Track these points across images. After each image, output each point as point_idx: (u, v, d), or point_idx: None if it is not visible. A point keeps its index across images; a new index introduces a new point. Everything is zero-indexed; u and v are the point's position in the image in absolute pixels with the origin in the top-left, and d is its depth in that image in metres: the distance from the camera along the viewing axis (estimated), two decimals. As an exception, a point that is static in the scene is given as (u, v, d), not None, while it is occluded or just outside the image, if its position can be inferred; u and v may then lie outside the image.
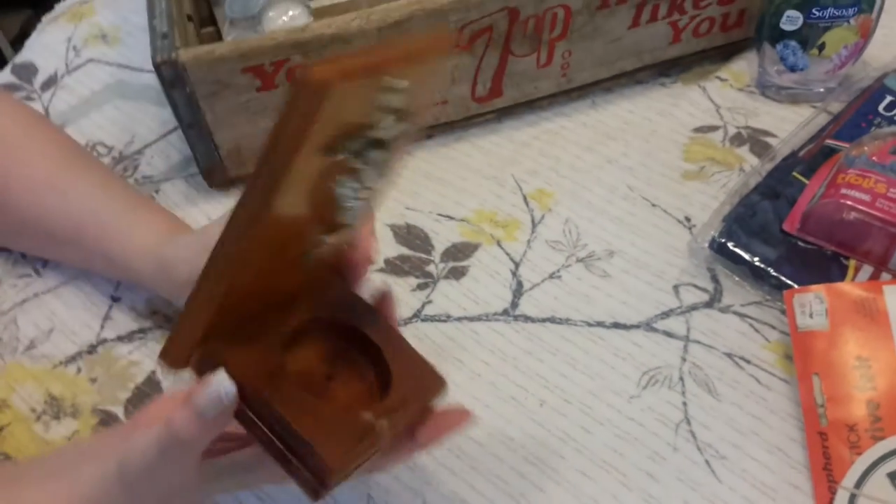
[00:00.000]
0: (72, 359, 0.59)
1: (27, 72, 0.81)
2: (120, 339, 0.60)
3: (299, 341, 0.41)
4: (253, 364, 0.38)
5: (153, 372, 0.58)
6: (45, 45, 0.84)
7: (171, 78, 0.60)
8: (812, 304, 0.53)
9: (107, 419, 0.56)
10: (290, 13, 0.74)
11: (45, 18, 0.87)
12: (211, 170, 0.67)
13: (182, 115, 0.63)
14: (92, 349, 0.60)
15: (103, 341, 0.60)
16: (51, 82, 0.80)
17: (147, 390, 0.57)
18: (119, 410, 0.56)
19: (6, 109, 0.62)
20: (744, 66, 0.74)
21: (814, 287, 0.54)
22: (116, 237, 0.56)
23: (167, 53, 0.59)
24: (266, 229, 0.34)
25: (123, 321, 0.61)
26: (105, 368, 0.58)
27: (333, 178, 0.36)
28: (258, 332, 0.40)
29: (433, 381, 0.43)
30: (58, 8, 0.88)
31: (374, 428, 0.38)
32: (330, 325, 0.42)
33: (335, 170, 0.36)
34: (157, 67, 0.60)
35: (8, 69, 0.82)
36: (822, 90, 0.71)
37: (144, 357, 0.59)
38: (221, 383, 0.36)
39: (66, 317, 0.61)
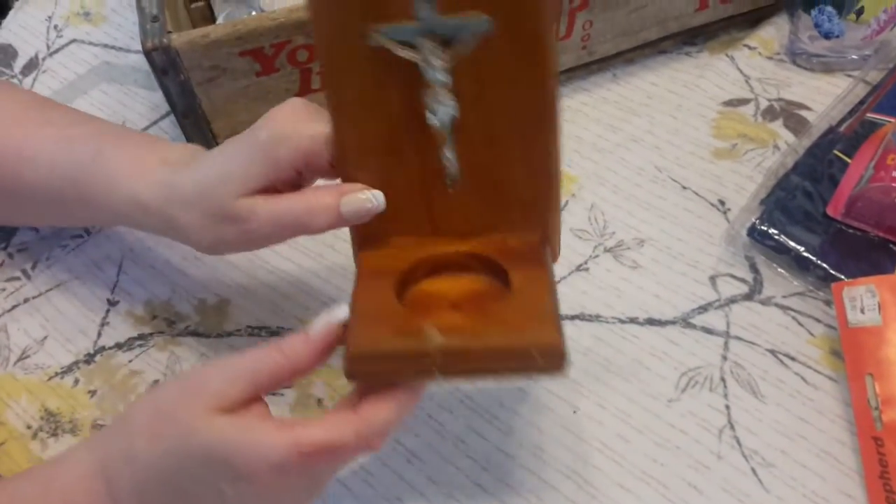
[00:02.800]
0: (68, 369, 0.55)
1: (5, 55, 0.76)
2: (119, 346, 0.56)
3: (456, 270, 0.42)
4: (386, 257, 0.42)
5: (156, 382, 0.54)
6: (24, 25, 0.78)
7: (164, 65, 0.56)
8: (863, 297, 0.50)
9: (109, 435, 0.52)
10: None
11: (22, -5, 0.81)
12: (209, 160, 0.62)
13: (176, 103, 0.58)
14: (89, 358, 0.56)
15: (101, 349, 0.56)
16: (32, 66, 0.75)
17: (150, 402, 0.53)
18: (121, 425, 0.53)
19: None
20: (772, 33, 0.70)
21: (864, 279, 0.50)
22: (91, 193, 0.49)
23: (158, 38, 0.55)
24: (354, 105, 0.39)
25: (122, 327, 0.57)
26: (104, 379, 0.55)
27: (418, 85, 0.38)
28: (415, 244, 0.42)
29: (534, 333, 0.37)
30: (36, -17, 0.82)
31: (423, 335, 0.36)
32: (493, 264, 0.42)
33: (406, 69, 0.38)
34: (148, 54, 0.55)
35: (-15, 51, 0.77)
36: (856, 57, 0.66)
37: (146, 366, 0.55)
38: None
39: (60, 323, 0.58)
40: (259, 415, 0.38)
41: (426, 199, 0.42)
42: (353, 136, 0.40)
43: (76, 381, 0.55)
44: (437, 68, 0.37)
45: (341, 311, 0.39)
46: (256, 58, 0.57)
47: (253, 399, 0.38)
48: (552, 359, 0.37)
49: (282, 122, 0.43)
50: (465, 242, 0.42)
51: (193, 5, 0.72)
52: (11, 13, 0.80)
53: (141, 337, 0.56)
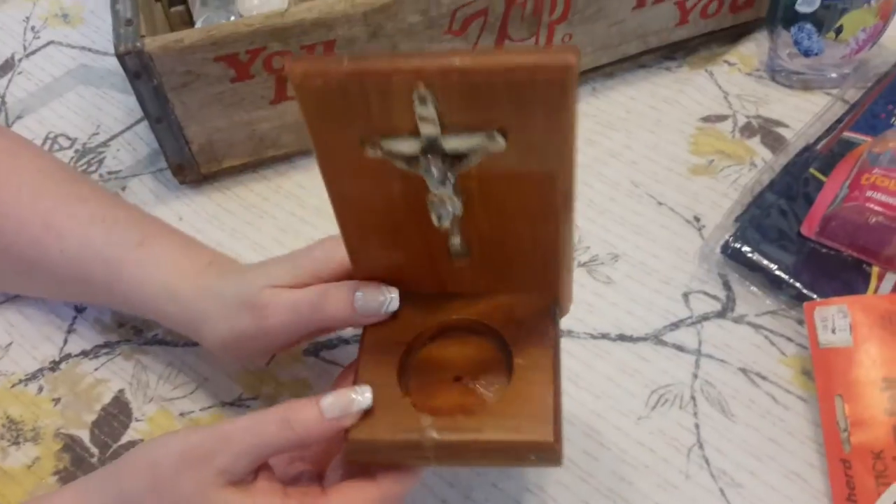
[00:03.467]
0: (32, 376, 0.54)
1: (-19, 55, 0.75)
2: (85, 354, 0.55)
3: (463, 332, 0.42)
4: (392, 325, 0.42)
5: (121, 391, 0.53)
6: (1, 26, 0.77)
7: (137, 69, 0.55)
8: (835, 318, 0.49)
9: (71, 444, 0.51)
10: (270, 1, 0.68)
11: (0, -5, 0.80)
12: (181, 166, 0.62)
13: (149, 108, 0.58)
14: (55, 366, 0.55)
15: (67, 357, 0.55)
16: (7, 67, 0.74)
17: (114, 411, 0.53)
18: (84, 434, 0.52)
19: None
20: (753, 49, 0.70)
21: (836, 299, 0.50)
22: (128, 280, 0.49)
23: (131, 42, 0.54)
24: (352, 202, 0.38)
25: (88, 334, 0.56)
26: (69, 387, 0.54)
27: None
28: (422, 310, 0.42)
29: (528, 431, 0.38)
30: (15, -16, 0.81)
31: (420, 427, 0.38)
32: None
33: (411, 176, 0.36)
34: (121, 58, 0.54)
35: (-40, 51, 0.76)
36: (835, 76, 0.67)
37: (112, 374, 0.54)
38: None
39: (26, 329, 0.57)
40: (266, 491, 0.38)
41: (433, 266, 0.41)
42: (355, 220, 0.39)
43: (40, 389, 0.54)
44: (439, 181, 0.35)
45: (364, 400, 0.38)
46: (231, 64, 0.56)
47: (259, 468, 0.39)
48: (546, 457, 0.38)
49: (333, 245, 0.43)
50: (472, 306, 0.42)
51: (173, 9, 0.72)
52: (-11, 13, 0.79)
53: (107, 345, 0.56)
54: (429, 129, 0.33)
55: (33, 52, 0.75)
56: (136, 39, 0.54)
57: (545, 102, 0.31)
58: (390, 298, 0.41)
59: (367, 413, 0.39)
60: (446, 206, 0.36)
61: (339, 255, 0.43)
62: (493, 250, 0.40)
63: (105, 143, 0.67)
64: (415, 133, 0.33)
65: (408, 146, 0.34)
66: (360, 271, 0.42)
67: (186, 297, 0.47)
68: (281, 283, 0.44)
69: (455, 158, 0.34)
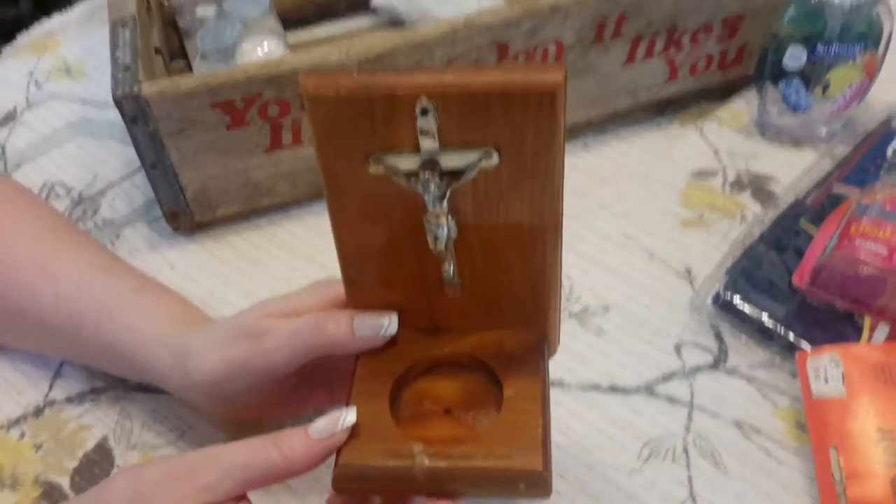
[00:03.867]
0: (15, 422, 0.54)
1: (-16, 106, 0.76)
2: (69, 400, 0.55)
3: (453, 367, 0.42)
4: (384, 356, 0.42)
5: (104, 438, 0.53)
6: (4, 79, 0.79)
7: (133, 113, 0.56)
8: (827, 368, 0.49)
9: (50, 491, 0.50)
10: (266, 46, 0.70)
11: (6, 50, 0.82)
12: (175, 213, 0.62)
13: (144, 153, 0.58)
14: (38, 411, 0.54)
15: (51, 403, 0.55)
16: (9, 118, 0.75)
17: (97, 458, 0.52)
18: (65, 481, 0.51)
19: None
20: (743, 107, 0.71)
21: (828, 348, 0.50)
22: (120, 323, 0.49)
23: (129, 86, 0.55)
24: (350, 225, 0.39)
25: (75, 380, 0.56)
26: (52, 433, 0.53)
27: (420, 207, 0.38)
28: (415, 343, 0.43)
29: (518, 459, 0.38)
30: (20, 39, 0.83)
31: (411, 455, 0.38)
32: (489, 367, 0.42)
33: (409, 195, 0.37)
34: (118, 102, 0.55)
35: (-37, 103, 0.77)
36: (824, 133, 0.67)
37: (96, 421, 0.53)
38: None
39: (10, 374, 0.56)
40: None
41: (426, 298, 0.42)
42: (354, 243, 0.40)
43: (22, 435, 0.53)
44: (437, 197, 0.37)
45: (350, 416, 0.39)
46: (227, 111, 0.57)
47: (239, 498, 0.38)
48: (536, 486, 0.38)
49: (322, 287, 0.45)
50: (463, 340, 0.43)
51: (173, 63, 0.73)
52: (-7, 67, 0.81)
53: (94, 391, 0.55)
54: (428, 144, 0.35)
55: (35, 105, 0.76)
56: (134, 84, 0.55)
57: (536, 115, 0.34)
58: (389, 321, 0.42)
59: (357, 439, 0.39)
60: (443, 226, 0.38)
61: (329, 295, 0.44)
62: (485, 282, 0.41)
63: (101, 192, 0.68)
64: (415, 150, 0.36)
65: (408, 162, 0.36)
66: (356, 303, 0.43)
67: (176, 334, 0.47)
68: (275, 313, 0.44)
69: (452, 175, 0.36)
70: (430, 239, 0.38)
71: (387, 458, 0.38)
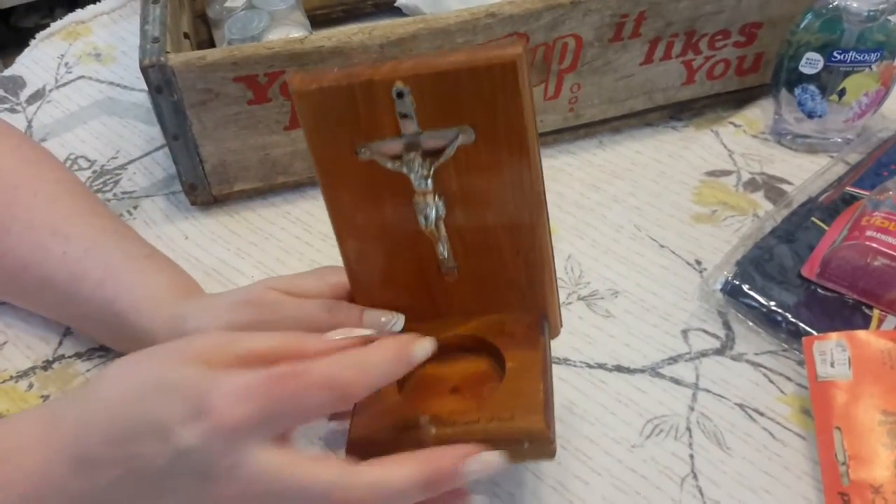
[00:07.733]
0: (24, 374, 0.54)
1: (14, 84, 0.78)
2: (78, 355, 0.55)
3: (458, 350, 0.44)
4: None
5: (110, 393, 0.53)
6: (37, 61, 0.81)
7: (159, 82, 0.57)
8: (833, 352, 0.49)
9: (53, 442, 0.50)
10: (292, 36, 0.72)
11: (39, 35, 0.84)
12: (194, 185, 0.63)
13: (167, 124, 0.59)
14: (47, 365, 0.55)
15: (60, 357, 0.55)
16: (38, 96, 0.77)
17: (101, 413, 0.52)
18: (68, 433, 0.51)
19: (11, 146, 0.57)
20: (758, 114, 0.72)
21: (835, 334, 0.50)
22: (124, 283, 0.49)
23: (156, 56, 0.56)
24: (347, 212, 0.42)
25: (85, 337, 0.56)
26: (59, 385, 0.53)
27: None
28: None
29: (521, 419, 0.39)
30: (53, 26, 0.85)
31: (419, 426, 0.39)
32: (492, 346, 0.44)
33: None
34: (145, 71, 0.56)
35: (-6, 82, 0.79)
36: (839, 140, 0.68)
37: (102, 377, 0.54)
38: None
39: (22, 330, 0.57)
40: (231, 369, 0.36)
41: (426, 284, 0.44)
42: (351, 233, 0.43)
43: (30, 386, 0.53)
44: (422, 177, 0.40)
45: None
46: (250, 85, 0.58)
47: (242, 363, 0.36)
48: (540, 446, 0.39)
49: (330, 270, 0.47)
50: (465, 324, 0.44)
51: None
52: (27, 50, 0.83)
53: (102, 348, 0.55)
54: (409, 126, 0.39)
55: (64, 84, 0.78)
56: (161, 54, 0.56)
57: (502, 88, 0.37)
58: (396, 320, 0.44)
59: (367, 416, 0.41)
60: (430, 205, 0.40)
61: (334, 281, 0.46)
62: (480, 264, 0.43)
63: (122, 167, 0.69)
64: (397, 134, 0.39)
65: (392, 146, 0.39)
66: (361, 298, 0.45)
67: (176, 300, 0.48)
68: (281, 289, 0.46)
69: (434, 155, 0.39)
70: (420, 219, 0.41)
71: (397, 429, 0.40)
